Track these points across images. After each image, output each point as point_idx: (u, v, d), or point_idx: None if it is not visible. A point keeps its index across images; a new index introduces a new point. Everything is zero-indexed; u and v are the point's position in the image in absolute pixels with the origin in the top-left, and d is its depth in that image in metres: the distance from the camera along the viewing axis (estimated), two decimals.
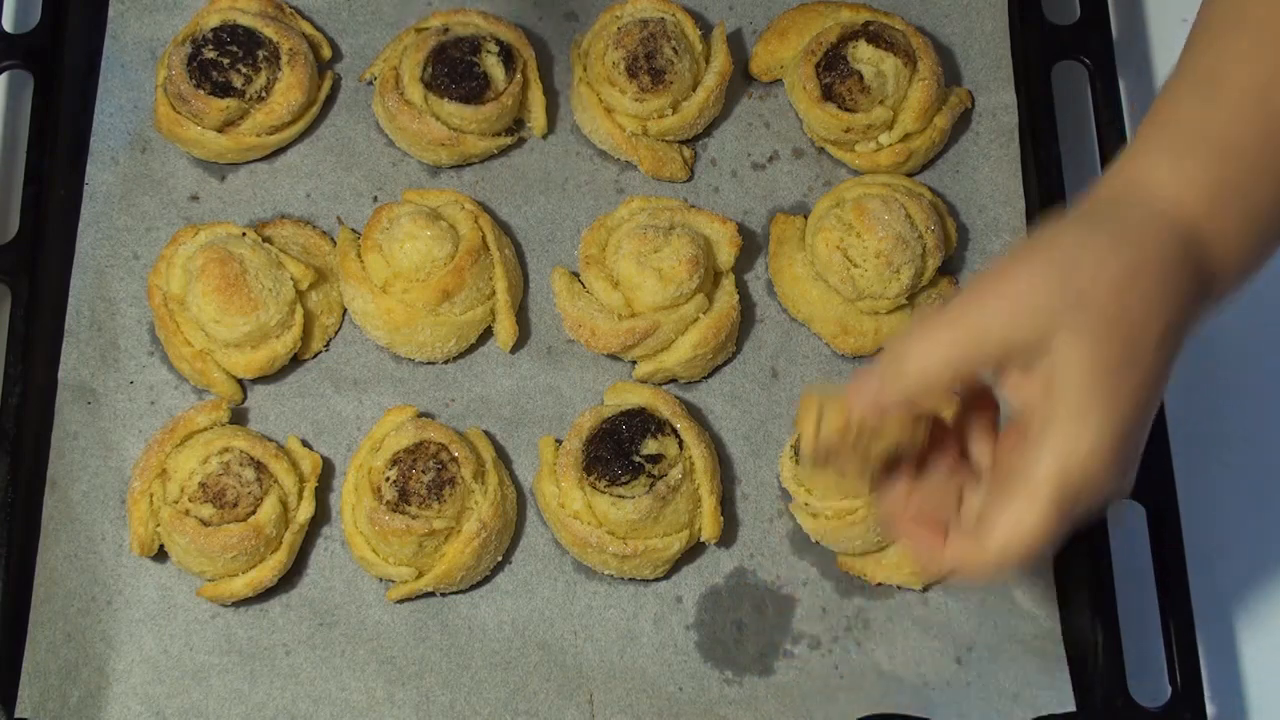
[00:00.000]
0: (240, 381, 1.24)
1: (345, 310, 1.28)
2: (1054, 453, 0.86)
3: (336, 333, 1.28)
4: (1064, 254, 0.88)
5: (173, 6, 1.37)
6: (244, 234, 1.24)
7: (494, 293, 1.25)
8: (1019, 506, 0.87)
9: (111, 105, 1.33)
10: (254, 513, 1.16)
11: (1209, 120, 0.92)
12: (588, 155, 1.34)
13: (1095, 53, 1.33)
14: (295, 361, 1.26)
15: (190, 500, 1.16)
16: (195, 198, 1.31)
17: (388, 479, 1.17)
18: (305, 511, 1.19)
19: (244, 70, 1.28)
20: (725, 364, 1.28)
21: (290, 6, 1.36)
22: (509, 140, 1.33)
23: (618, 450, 1.17)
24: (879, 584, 1.21)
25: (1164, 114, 0.95)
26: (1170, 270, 0.88)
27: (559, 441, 1.22)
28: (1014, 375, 0.89)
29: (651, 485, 1.16)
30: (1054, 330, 0.87)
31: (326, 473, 1.23)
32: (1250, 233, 0.92)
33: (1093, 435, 0.86)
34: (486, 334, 1.27)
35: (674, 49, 1.29)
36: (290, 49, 1.30)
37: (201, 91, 1.27)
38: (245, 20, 1.30)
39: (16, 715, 1.13)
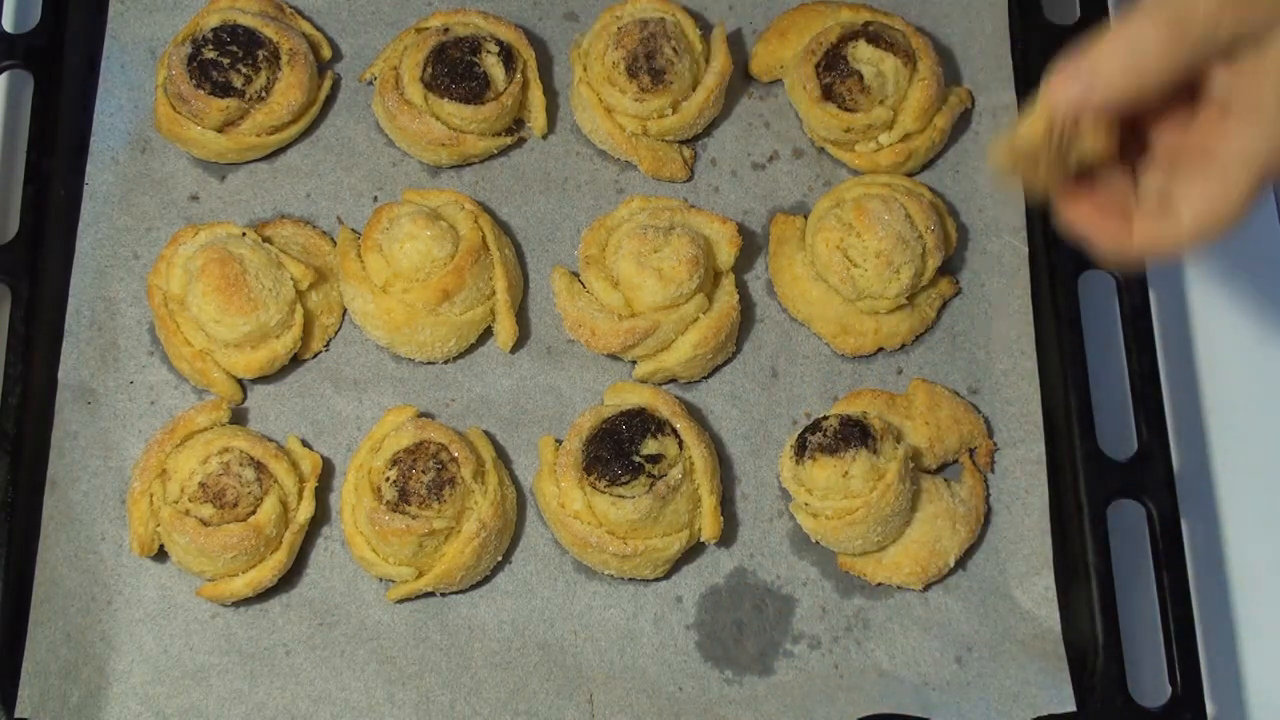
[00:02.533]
0: (240, 381, 1.24)
1: (345, 310, 1.28)
2: (1260, 131, 0.87)
3: (336, 333, 1.28)
4: None
5: (173, 6, 1.37)
6: (244, 234, 1.24)
7: (494, 293, 1.25)
8: (1215, 183, 0.88)
9: (111, 105, 1.33)
10: (254, 513, 1.16)
11: None
12: (588, 155, 1.34)
13: None
14: (295, 361, 1.26)
15: (190, 500, 1.16)
16: (195, 198, 1.31)
17: (388, 479, 1.17)
18: (305, 511, 1.19)
19: (244, 70, 1.28)
20: (725, 364, 1.28)
21: (290, 6, 1.36)
22: (509, 140, 1.33)
23: (618, 450, 1.17)
24: (879, 584, 1.21)
25: None
26: None
27: (559, 441, 1.22)
28: (1214, 63, 0.88)
29: (651, 485, 1.16)
30: (1268, 19, 0.86)
31: (326, 473, 1.23)
32: None
33: None
34: (486, 334, 1.27)
35: (674, 49, 1.29)
36: (290, 49, 1.30)
37: (201, 91, 1.27)
38: (245, 20, 1.30)
39: (16, 715, 1.13)
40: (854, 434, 1.17)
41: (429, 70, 1.29)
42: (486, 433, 1.24)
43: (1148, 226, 0.93)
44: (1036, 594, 1.20)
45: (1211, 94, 0.90)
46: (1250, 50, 0.87)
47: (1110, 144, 0.92)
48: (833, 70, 1.29)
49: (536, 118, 1.33)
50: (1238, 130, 0.88)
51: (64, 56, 1.31)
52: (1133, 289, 1.24)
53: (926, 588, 1.20)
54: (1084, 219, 0.96)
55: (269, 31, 1.30)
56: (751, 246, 1.31)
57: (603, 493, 1.17)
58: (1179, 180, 0.91)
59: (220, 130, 1.29)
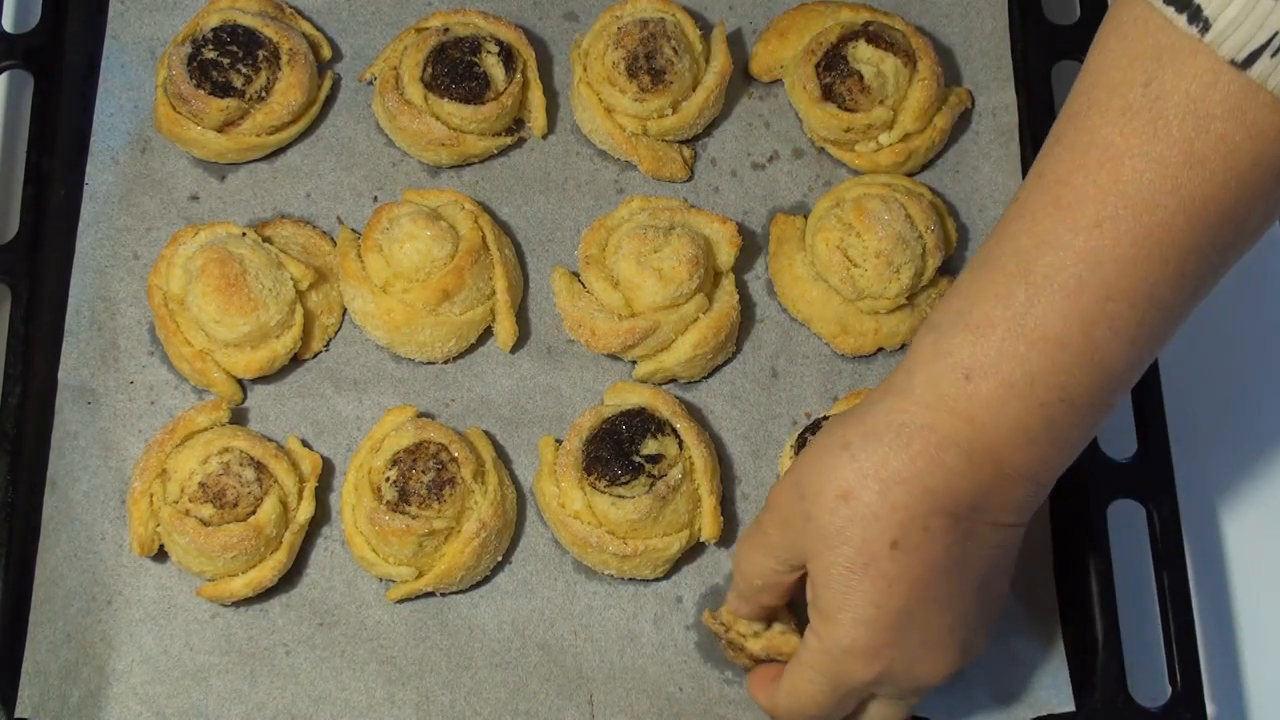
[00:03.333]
0: (240, 381, 1.24)
1: (345, 310, 1.28)
2: (814, 642, 1.00)
3: (336, 333, 1.28)
4: (801, 474, 0.98)
5: (173, 6, 1.37)
6: (244, 234, 1.24)
7: (494, 293, 1.25)
8: (795, 678, 1.03)
9: (111, 105, 1.33)
10: (254, 513, 1.16)
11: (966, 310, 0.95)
12: (588, 155, 1.34)
13: None
14: (295, 361, 1.26)
15: (190, 500, 1.16)
16: (195, 198, 1.31)
17: (388, 479, 1.17)
18: (305, 511, 1.19)
19: (244, 70, 1.28)
20: (725, 364, 1.28)
21: (290, 6, 1.36)
22: (509, 140, 1.33)
23: (618, 450, 1.17)
24: None
25: (955, 295, 0.98)
26: (904, 473, 0.93)
27: (559, 441, 1.22)
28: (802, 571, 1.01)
29: (651, 485, 1.16)
30: (800, 544, 0.98)
31: (326, 473, 1.23)
32: (1009, 401, 0.93)
33: (842, 631, 0.97)
34: (486, 334, 1.27)
35: (674, 49, 1.29)
36: (290, 49, 1.30)
37: (201, 91, 1.27)
38: (245, 20, 1.30)
39: (16, 715, 1.13)
40: None
41: (429, 70, 1.29)
42: (486, 433, 1.24)
43: (770, 690, 1.08)
44: (1036, 594, 1.20)
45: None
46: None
47: (788, 645, 1.10)
48: (833, 70, 1.29)
49: (536, 118, 1.33)
50: (806, 633, 1.01)
51: (64, 56, 1.31)
52: None
53: None
54: (751, 679, 1.12)
55: (269, 31, 1.30)
56: (751, 246, 1.31)
57: (603, 493, 1.17)
58: (789, 665, 1.05)
59: (220, 130, 1.29)
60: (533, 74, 1.33)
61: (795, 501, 0.98)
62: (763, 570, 1.03)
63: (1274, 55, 0.83)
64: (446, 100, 1.28)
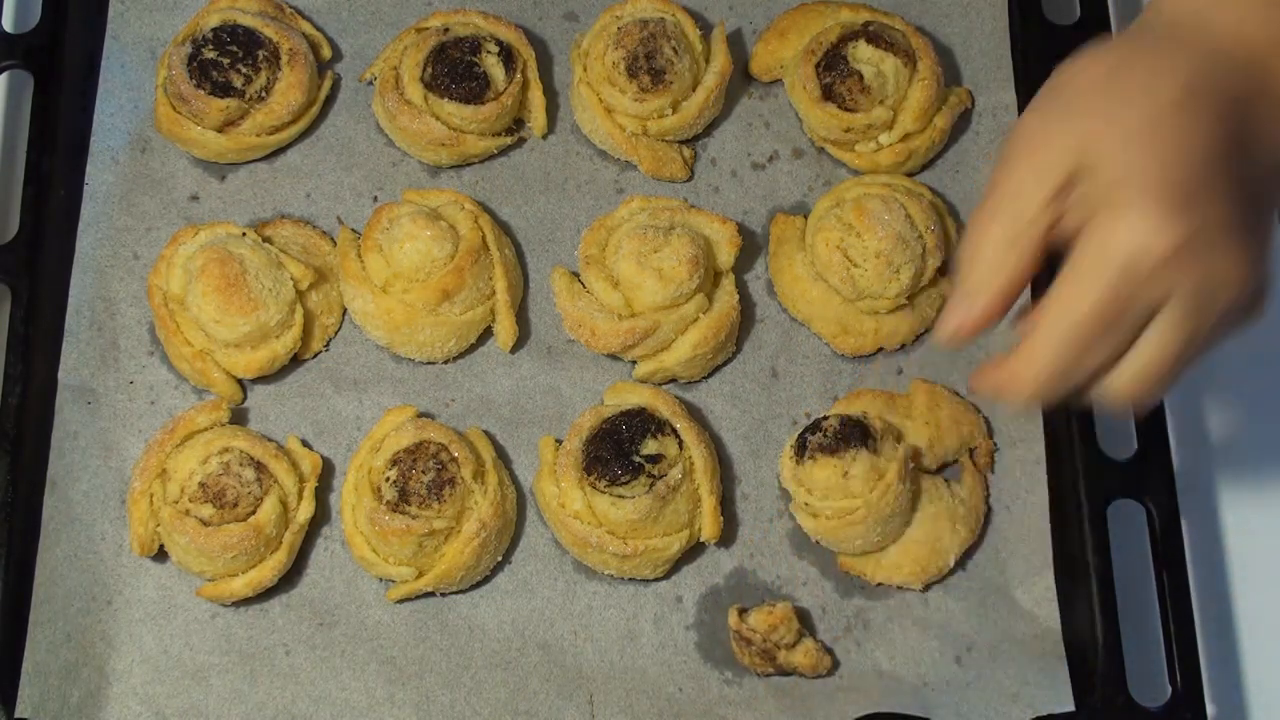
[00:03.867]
0: (240, 381, 1.24)
1: (345, 310, 1.28)
2: (1088, 249, 0.87)
3: (336, 333, 1.28)
4: (1048, 84, 0.90)
5: (173, 6, 1.37)
6: (244, 234, 1.24)
7: (494, 293, 1.25)
8: (1064, 295, 0.89)
9: (111, 105, 1.33)
10: (254, 513, 1.16)
11: None
12: (588, 155, 1.34)
13: None
14: (295, 361, 1.26)
15: (190, 500, 1.16)
16: (195, 198, 1.31)
17: (388, 479, 1.17)
18: (305, 511, 1.19)
19: (244, 70, 1.28)
20: (725, 364, 1.28)
21: (290, 6, 1.36)
22: (509, 140, 1.33)
23: (618, 450, 1.17)
24: (879, 584, 1.21)
25: None
26: (1166, 64, 0.87)
27: (559, 441, 1.22)
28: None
29: (651, 485, 1.16)
30: (1065, 140, 0.88)
31: (326, 473, 1.23)
32: None
33: (1130, 202, 0.85)
34: (486, 334, 1.27)
35: (674, 49, 1.29)
36: (290, 49, 1.30)
37: (201, 91, 1.27)
38: (245, 20, 1.30)
39: (16, 715, 1.13)
40: (854, 434, 1.17)
41: (429, 70, 1.29)
42: (486, 433, 1.24)
43: (1000, 365, 0.96)
44: (1036, 594, 1.20)
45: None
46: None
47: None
48: (833, 70, 1.29)
49: (536, 118, 1.33)
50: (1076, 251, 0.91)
51: (64, 56, 1.31)
52: None
53: (926, 588, 1.20)
54: (975, 375, 0.99)
55: (269, 31, 1.30)
56: (751, 246, 1.31)
57: (603, 493, 1.17)
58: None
59: (220, 130, 1.29)
60: (533, 74, 1.33)
61: (1048, 106, 0.89)
62: (1021, 206, 0.90)
63: None
64: (446, 100, 1.28)
